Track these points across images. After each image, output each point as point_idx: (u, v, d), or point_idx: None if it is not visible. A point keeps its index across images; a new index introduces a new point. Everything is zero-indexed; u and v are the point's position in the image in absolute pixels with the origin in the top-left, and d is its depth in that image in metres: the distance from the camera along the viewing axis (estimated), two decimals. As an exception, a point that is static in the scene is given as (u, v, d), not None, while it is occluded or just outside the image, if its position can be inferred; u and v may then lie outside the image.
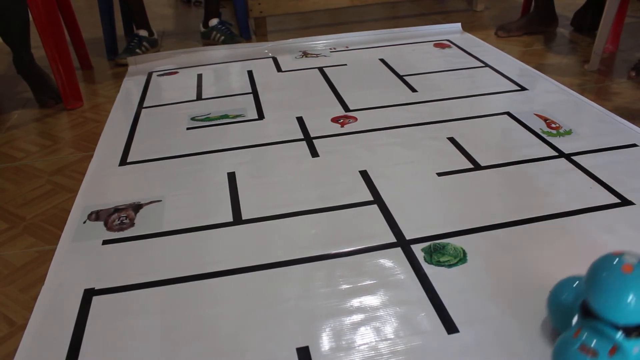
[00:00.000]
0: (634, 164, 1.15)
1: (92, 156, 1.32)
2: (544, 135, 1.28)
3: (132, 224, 1.03)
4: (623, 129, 1.30)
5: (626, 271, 0.60)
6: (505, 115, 1.39)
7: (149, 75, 1.85)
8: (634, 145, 1.22)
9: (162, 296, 0.85)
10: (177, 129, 1.42)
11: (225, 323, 0.79)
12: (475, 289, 0.83)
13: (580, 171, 1.13)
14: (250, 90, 1.65)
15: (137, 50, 2.01)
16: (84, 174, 1.24)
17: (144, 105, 1.60)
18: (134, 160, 1.28)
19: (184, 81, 1.76)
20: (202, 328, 0.79)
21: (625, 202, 1.03)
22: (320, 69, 1.78)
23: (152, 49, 2.09)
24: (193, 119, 1.47)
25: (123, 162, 1.27)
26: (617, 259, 0.62)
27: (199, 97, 1.63)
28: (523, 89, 1.56)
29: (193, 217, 1.04)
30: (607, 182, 1.08)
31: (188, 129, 1.42)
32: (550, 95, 1.51)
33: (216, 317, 0.81)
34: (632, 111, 1.42)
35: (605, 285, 0.61)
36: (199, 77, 1.79)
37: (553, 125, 1.33)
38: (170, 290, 0.86)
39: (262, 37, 2.25)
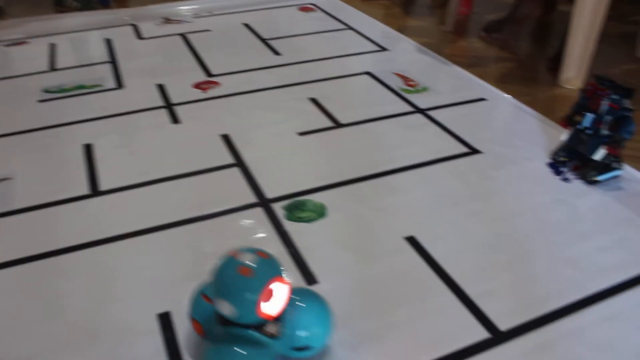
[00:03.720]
0: (482, 116, 1.23)
1: None
2: (402, 93, 1.33)
3: (-23, 204, 0.96)
4: (474, 85, 1.38)
5: (246, 274, 0.57)
6: (366, 75, 1.43)
7: (-5, 46, 1.71)
8: (483, 99, 1.30)
9: (13, 277, 0.80)
10: (27, 102, 1.32)
11: (81, 299, 0.76)
12: (334, 242, 0.85)
13: (434, 125, 1.19)
14: (109, 59, 1.57)
15: (-19, 20, 1.85)
16: None
17: (-11, 77, 1.48)
18: (-21, 136, 1.18)
19: (35, 51, 1.64)
20: (57, 306, 0.75)
21: (474, 151, 1.10)
22: (183, 35, 1.73)
23: (-2, 17, 1.93)
24: (46, 91, 1.38)
25: (-34, 139, 1.17)
26: (236, 263, 0.58)
27: (52, 67, 1.53)
28: (384, 49, 1.61)
29: (47, 192, 0.99)
30: (458, 134, 1.15)
31: (40, 101, 1.33)
32: (409, 55, 1.57)
33: (71, 293, 0.77)
34: (482, 68, 1.51)
35: (230, 293, 0.58)
36: (52, 46, 1.67)
37: (411, 83, 1.38)
38: (22, 270, 0.82)
39: (122, 3, 2.14)
